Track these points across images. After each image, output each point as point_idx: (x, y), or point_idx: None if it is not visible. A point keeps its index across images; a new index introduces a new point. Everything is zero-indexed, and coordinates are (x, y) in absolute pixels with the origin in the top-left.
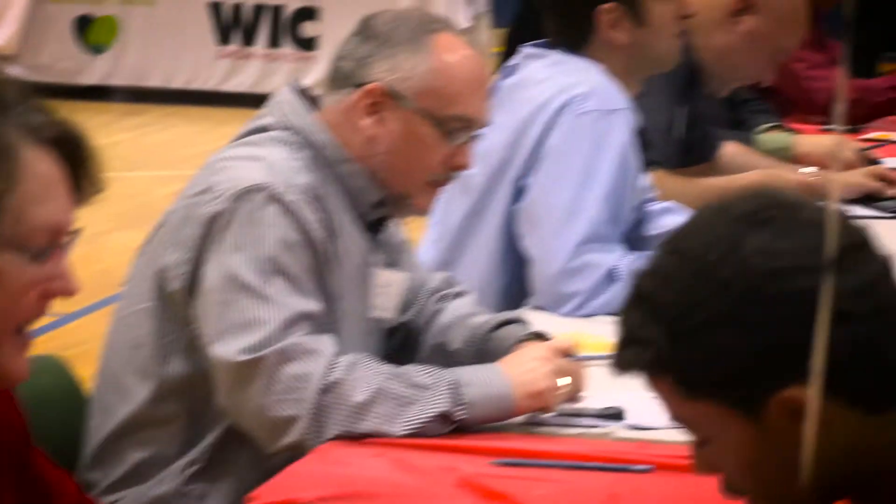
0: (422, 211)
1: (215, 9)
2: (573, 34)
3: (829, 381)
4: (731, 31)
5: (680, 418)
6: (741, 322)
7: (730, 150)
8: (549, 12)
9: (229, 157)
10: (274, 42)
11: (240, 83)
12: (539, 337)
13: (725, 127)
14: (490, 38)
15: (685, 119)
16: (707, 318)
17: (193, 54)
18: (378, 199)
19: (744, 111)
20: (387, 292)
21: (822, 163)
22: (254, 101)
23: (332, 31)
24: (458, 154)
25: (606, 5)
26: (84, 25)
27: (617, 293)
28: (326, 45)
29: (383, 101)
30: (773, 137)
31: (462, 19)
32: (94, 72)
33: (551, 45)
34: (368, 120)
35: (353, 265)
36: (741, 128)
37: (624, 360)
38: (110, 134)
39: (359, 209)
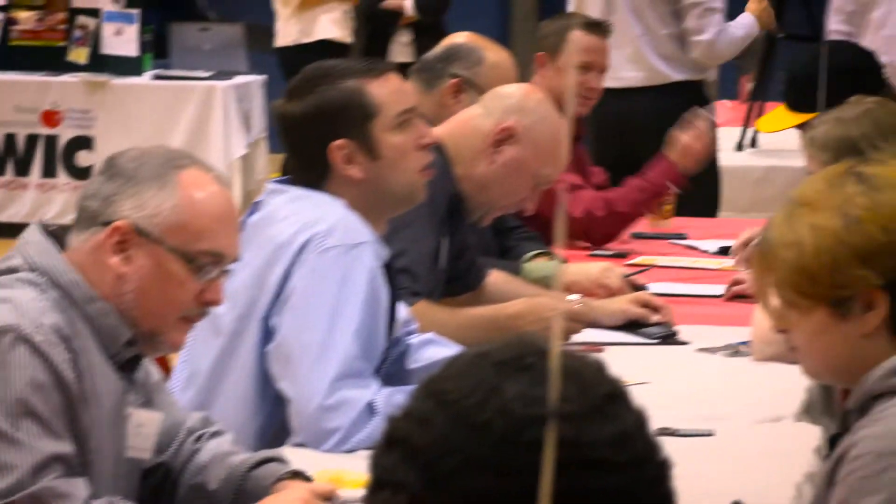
0: (174, 348)
1: None
2: (310, 171)
3: None
4: (492, 160)
5: None
6: (498, 466)
7: (495, 278)
8: (286, 149)
9: None
10: (49, 172)
11: (14, 213)
12: (298, 476)
13: (492, 255)
14: (267, 164)
15: (449, 248)
16: (464, 461)
17: None
18: (129, 338)
19: (510, 239)
20: (142, 432)
21: (588, 290)
22: None
23: None
24: (209, 289)
25: (338, 142)
26: None
27: (377, 427)
28: None
29: (130, 238)
30: (539, 265)
31: (239, 145)
32: None
33: (294, 181)
34: (116, 258)
35: (107, 405)
36: (508, 256)
37: (376, 503)
38: None
39: (111, 349)
